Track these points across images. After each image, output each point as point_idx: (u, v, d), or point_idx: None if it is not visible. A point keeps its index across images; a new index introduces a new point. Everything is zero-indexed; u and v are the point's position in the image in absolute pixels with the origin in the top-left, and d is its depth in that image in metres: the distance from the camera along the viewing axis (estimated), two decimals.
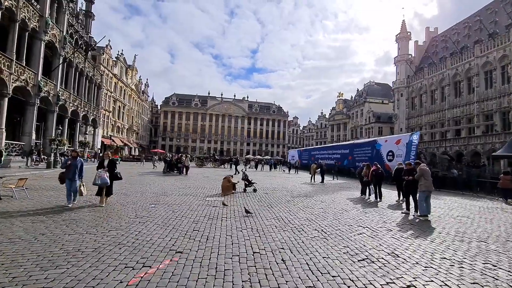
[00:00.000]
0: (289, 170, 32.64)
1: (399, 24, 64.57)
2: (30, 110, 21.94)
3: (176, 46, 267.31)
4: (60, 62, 25.22)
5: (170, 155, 22.76)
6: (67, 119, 27.95)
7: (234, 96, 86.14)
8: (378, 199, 10.56)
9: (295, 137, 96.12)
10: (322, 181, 17.72)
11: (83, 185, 7.41)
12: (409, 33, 50.39)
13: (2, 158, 17.59)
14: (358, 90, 68.73)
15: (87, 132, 34.01)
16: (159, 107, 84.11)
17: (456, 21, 47.99)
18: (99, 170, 7.22)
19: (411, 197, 8.16)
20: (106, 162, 7.50)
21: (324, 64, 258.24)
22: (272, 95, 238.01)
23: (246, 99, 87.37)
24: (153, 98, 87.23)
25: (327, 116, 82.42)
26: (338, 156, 29.89)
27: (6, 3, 18.11)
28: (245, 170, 14.00)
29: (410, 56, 50.11)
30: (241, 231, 5.44)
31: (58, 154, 24.66)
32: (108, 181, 7.13)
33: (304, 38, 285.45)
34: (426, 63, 46.69)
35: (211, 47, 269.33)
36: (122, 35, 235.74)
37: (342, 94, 74.39)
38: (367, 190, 11.36)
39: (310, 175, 18.55)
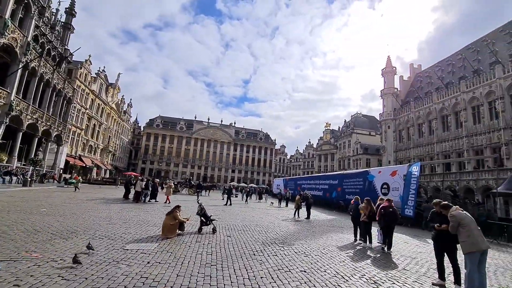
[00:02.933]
0: (279, 202, 24.64)
1: (383, 63, 66.77)
2: None
3: (170, 72, 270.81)
4: (17, 69, 22.36)
5: (145, 179, 19.05)
6: (21, 133, 24.38)
7: (221, 121, 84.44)
8: (386, 249, 7.81)
9: (282, 166, 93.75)
10: (308, 217, 14.81)
11: None
12: (394, 68, 51.38)
13: None
14: (345, 121, 68.68)
15: (48, 150, 30.20)
16: (142, 128, 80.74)
17: (436, 61, 49.50)
18: None
19: (445, 257, 5.25)
20: None
21: (313, 97, 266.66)
22: (261, 124, 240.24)
23: (233, 124, 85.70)
24: (136, 119, 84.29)
25: (314, 146, 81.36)
26: (326, 186, 27.35)
27: None
28: (200, 202, 10.43)
29: (396, 90, 50.55)
30: None
31: None
32: None
33: (295, 72, 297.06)
34: (412, 97, 46.91)
35: (205, 75, 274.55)
36: (119, 58, 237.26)
37: (330, 124, 74.21)
38: (368, 235, 8.57)
39: (294, 209, 15.62)
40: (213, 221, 8.23)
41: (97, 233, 7.09)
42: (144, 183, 17.81)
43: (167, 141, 77.63)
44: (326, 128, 73.97)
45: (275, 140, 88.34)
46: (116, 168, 60.73)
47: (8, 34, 20.92)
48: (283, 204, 24.93)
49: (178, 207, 7.47)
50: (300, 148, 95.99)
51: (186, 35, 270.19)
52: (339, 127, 73.34)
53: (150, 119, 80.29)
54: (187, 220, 7.67)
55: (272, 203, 24.54)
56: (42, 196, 15.83)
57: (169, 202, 16.58)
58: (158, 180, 29.13)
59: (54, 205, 12.36)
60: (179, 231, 7.49)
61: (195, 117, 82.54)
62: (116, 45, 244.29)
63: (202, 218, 8.09)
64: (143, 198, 17.15)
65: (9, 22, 20.65)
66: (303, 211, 16.03)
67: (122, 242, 6.26)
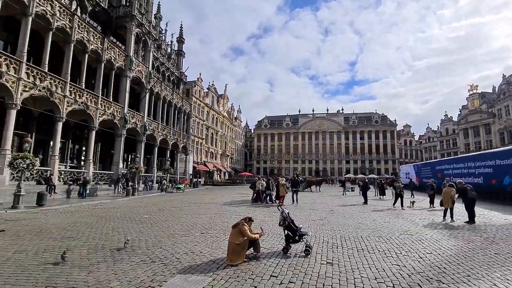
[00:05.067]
0: (431, 203, 14.35)
1: None
2: (117, 141, 23.65)
3: (274, 75, 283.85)
4: (144, 95, 27.12)
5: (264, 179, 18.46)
6: (156, 148, 29.64)
7: (327, 110, 78.91)
8: None
9: (408, 150, 77.76)
10: (471, 221, 9.49)
11: None
12: None
13: (88, 187, 18.42)
14: (504, 77, 48.86)
15: (178, 159, 35.84)
16: (252, 131, 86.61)
17: None
18: None
19: None
20: None
21: (443, 59, 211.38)
22: (377, 106, 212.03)
23: (341, 111, 78.43)
24: (247, 123, 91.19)
25: (455, 119, 62.77)
26: (489, 170, 18.96)
27: (91, 47, 20.13)
28: (283, 208, 7.14)
29: None
30: None
31: (141, 182, 25.62)
32: None
33: (413, 36, 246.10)
34: None
35: (307, 68, 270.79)
36: (231, 74, 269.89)
37: (477, 86, 54.86)
38: None
39: (444, 208, 10.46)
40: (304, 236, 5.54)
41: (156, 250, 5.92)
42: (263, 183, 16.84)
43: (276, 139, 79.65)
44: (472, 92, 55.18)
45: (395, 120, 74.41)
46: (235, 170, 67.15)
47: (135, 68, 25.58)
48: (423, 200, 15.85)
49: (248, 219, 5.28)
50: (432, 126, 76.89)
51: (283, 35, 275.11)
52: (493, 88, 53.17)
53: (258, 121, 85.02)
54: (260, 235, 5.29)
55: (413, 202, 14.73)
56: (161, 201, 17.71)
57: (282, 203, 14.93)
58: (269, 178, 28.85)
59: (157, 211, 13.02)
60: (252, 252, 5.28)
61: (299, 111, 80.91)
62: (227, 63, 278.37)
63: (287, 231, 5.58)
64: (266, 199, 16.14)
65: (133, 58, 25.17)
66: (457, 210, 10.61)
67: (169, 271, 4.61)
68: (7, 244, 6.17)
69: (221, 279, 4.25)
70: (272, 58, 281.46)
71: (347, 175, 57.17)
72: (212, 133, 54.10)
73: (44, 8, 16.30)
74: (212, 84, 56.57)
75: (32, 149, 16.10)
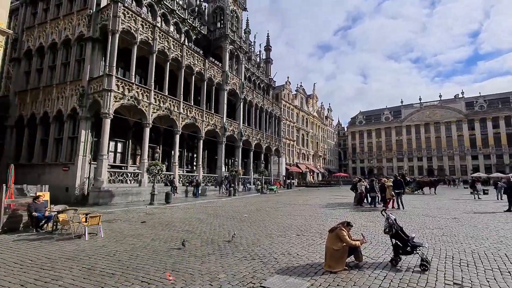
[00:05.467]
0: None
1: None
2: (219, 148, 26.82)
3: (367, 65, 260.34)
4: (239, 104, 29.81)
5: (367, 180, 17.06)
6: (251, 152, 31.96)
7: (440, 97, 65.52)
8: None
9: None
10: None
11: None
12: None
13: (200, 188, 21.75)
14: None
15: (272, 162, 37.44)
16: (345, 129, 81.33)
17: None
18: None
19: None
20: None
21: None
22: None
23: (459, 96, 63.57)
24: (338, 121, 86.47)
25: None
26: None
27: (196, 69, 23.73)
28: (389, 214, 5.57)
29: None
30: None
31: (240, 183, 28.04)
32: None
33: None
34: None
35: (409, 51, 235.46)
36: (318, 72, 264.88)
37: None
38: None
39: None
40: (419, 248, 4.62)
41: (256, 249, 6.21)
42: (365, 184, 15.88)
43: (373, 135, 72.00)
44: None
45: None
46: (328, 170, 64.54)
47: (230, 81, 28.52)
48: None
49: (347, 224, 4.82)
50: None
51: (375, 19, 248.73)
52: None
53: (351, 118, 79.23)
54: (361, 242, 4.72)
55: None
56: (258, 201, 18.77)
57: (393, 207, 13.49)
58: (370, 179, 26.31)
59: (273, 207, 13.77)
60: (353, 260, 4.80)
61: (402, 102, 70.47)
62: (314, 62, 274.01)
63: (395, 240, 4.81)
64: (373, 203, 15.01)
65: (229, 73, 28.13)
66: None
67: (267, 270, 4.73)
68: (147, 233, 7.95)
69: (320, 285, 4.13)
70: (364, 47, 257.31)
71: (475, 174, 45.39)
72: (302, 134, 53.97)
73: (163, 45, 20.38)
74: (300, 86, 56.61)
75: (160, 157, 20.29)
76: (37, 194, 8.59)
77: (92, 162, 16.30)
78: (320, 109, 66.79)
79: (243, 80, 31.19)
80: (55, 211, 8.26)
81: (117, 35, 16.81)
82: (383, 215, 5.98)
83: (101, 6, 17.89)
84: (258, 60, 43.69)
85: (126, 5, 17.99)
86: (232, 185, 24.18)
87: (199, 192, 21.53)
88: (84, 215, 7.36)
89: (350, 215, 11.69)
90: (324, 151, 64.69)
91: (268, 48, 45.09)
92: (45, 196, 8.90)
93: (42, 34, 20.24)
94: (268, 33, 45.41)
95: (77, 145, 16.54)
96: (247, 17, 38.36)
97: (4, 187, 8.18)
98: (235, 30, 30.49)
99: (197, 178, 22.85)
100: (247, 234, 7.89)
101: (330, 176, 59.14)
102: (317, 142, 60.25)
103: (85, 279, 4.38)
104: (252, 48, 41.70)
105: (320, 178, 56.19)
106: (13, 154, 19.47)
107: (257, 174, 30.33)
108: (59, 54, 19.21)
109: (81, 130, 16.52)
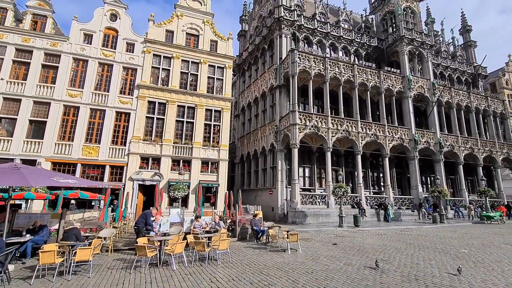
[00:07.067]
0: None
1: None
2: (411, 164, 22.80)
3: None
4: (431, 109, 24.44)
5: None
6: (460, 165, 24.54)
7: None
8: None
9: None
10: None
11: None
12: None
13: (391, 212, 19.48)
14: None
15: (500, 176, 26.56)
16: None
17: None
18: None
19: None
20: None
21: None
22: None
23: None
24: None
25: None
26: None
27: (371, 84, 22.61)
28: None
29: None
30: None
31: (449, 207, 21.98)
32: None
33: None
34: None
35: None
36: None
37: None
38: None
39: None
40: None
41: None
42: None
43: None
44: None
45: None
46: None
47: (414, 86, 24.44)
48: None
49: None
50: None
51: None
52: None
53: None
54: None
55: None
56: (483, 233, 13.48)
57: None
58: None
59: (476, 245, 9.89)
60: None
61: None
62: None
63: None
64: None
65: (410, 77, 24.32)
66: None
67: None
68: (339, 255, 8.11)
69: None
70: None
71: None
72: None
73: (334, 72, 21.45)
74: None
75: (344, 179, 20.46)
76: (255, 212, 11.40)
77: (287, 186, 19.39)
78: None
79: (432, 79, 25.68)
80: (266, 227, 10.52)
81: (296, 77, 19.90)
82: None
83: (283, 58, 22.03)
84: (452, 49, 34.66)
85: (300, 50, 21.11)
86: (438, 209, 19.42)
87: (391, 216, 19.17)
88: (286, 232, 8.81)
89: None
90: None
91: (465, 30, 34.69)
92: (259, 214, 11.63)
93: (249, 93, 27.77)
94: (462, 12, 35.20)
95: (276, 173, 20.45)
96: (427, 5, 32.17)
97: (237, 206, 11.59)
98: (412, 27, 26.42)
99: (385, 200, 20.61)
100: (471, 278, 5.98)
101: None
102: None
103: None
104: (441, 39, 33.95)
105: None
106: (240, 182, 27.15)
107: (477, 194, 22.52)
108: (259, 104, 25.34)
109: (277, 160, 20.38)
